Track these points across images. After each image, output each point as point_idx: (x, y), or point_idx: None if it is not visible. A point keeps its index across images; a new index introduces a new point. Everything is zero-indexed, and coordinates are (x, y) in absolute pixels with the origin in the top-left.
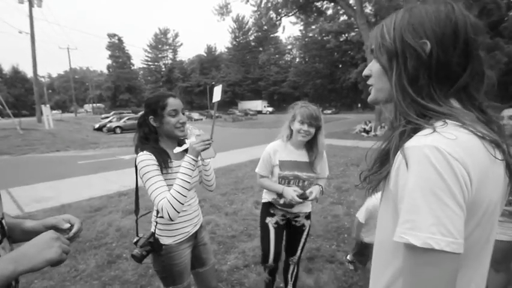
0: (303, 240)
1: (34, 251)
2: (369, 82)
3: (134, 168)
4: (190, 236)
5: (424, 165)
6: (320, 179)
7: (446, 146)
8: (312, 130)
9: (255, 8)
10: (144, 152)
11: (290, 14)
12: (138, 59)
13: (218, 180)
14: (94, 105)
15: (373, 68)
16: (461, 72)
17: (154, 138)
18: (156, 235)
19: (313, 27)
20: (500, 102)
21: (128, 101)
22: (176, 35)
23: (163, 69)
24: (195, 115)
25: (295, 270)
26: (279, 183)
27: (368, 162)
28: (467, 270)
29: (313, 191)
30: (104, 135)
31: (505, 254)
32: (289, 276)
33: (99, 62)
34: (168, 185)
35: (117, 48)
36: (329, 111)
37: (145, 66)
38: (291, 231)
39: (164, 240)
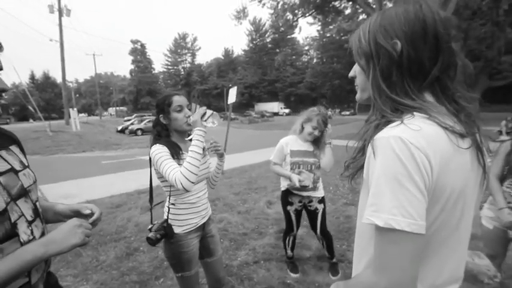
0: (319, 221)
1: (61, 237)
2: (355, 83)
3: (149, 162)
4: (198, 227)
5: (388, 154)
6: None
7: (409, 136)
8: (319, 134)
9: (272, 11)
10: (157, 144)
11: (307, 15)
12: (159, 63)
13: (232, 180)
14: (117, 108)
15: (356, 69)
16: (432, 65)
17: (166, 134)
18: (168, 222)
19: (331, 27)
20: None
21: (148, 104)
22: (195, 39)
23: (182, 73)
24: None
25: (325, 241)
26: (291, 168)
27: (350, 154)
28: (438, 254)
29: (317, 178)
30: (126, 137)
31: None
32: (322, 244)
33: (123, 67)
34: None
35: (139, 54)
36: (347, 113)
37: (165, 70)
38: (308, 214)
39: (174, 229)
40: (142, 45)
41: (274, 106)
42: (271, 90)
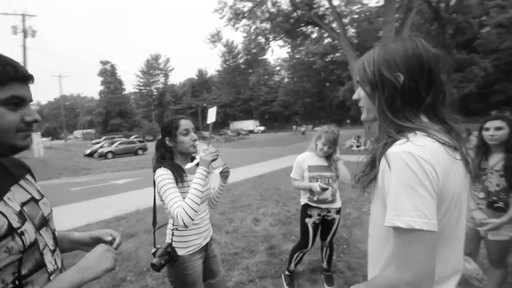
0: (333, 229)
1: (94, 263)
2: (359, 104)
3: (153, 185)
4: (202, 248)
5: (401, 166)
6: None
7: (416, 151)
8: (330, 150)
9: (245, 34)
10: (162, 168)
11: (278, 39)
12: (130, 84)
13: None
14: (84, 131)
15: (360, 93)
16: (427, 94)
17: (170, 157)
18: (173, 245)
19: (300, 48)
20: (482, 113)
21: (119, 125)
22: (167, 60)
23: (155, 93)
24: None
25: (328, 251)
26: (310, 182)
27: (360, 168)
28: (444, 249)
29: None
30: (96, 161)
31: (501, 252)
32: (323, 254)
33: (91, 88)
34: (183, 198)
35: (109, 75)
36: (319, 128)
37: (137, 90)
38: (324, 224)
39: (178, 251)
40: (113, 66)
41: (250, 124)
42: (245, 108)
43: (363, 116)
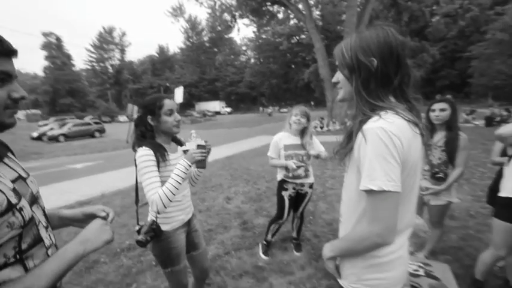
0: (305, 202)
1: (94, 235)
2: (338, 86)
3: (134, 164)
4: (184, 223)
5: (375, 140)
6: (322, 153)
7: (388, 126)
8: (304, 120)
9: (209, 10)
10: (143, 147)
11: (244, 17)
12: (80, 59)
13: None
14: (28, 111)
15: (339, 77)
16: (395, 77)
17: (151, 135)
18: (157, 222)
19: (267, 29)
20: (429, 96)
21: (70, 105)
22: (123, 34)
23: (111, 71)
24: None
25: (299, 222)
26: (286, 160)
27: (338, 142)
28: (403, 207)
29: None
30: (46, 144)
31: (439, 215)
32: (294, 225)
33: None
34: (164, 177)
35: (54, 48)
36: (285, 110)
37: (89, 67)
38: (298, 197)
39: (163, 227)
40: (58, 39)
41: (216, 105)
42: (211, 89)
43: (340, 96)
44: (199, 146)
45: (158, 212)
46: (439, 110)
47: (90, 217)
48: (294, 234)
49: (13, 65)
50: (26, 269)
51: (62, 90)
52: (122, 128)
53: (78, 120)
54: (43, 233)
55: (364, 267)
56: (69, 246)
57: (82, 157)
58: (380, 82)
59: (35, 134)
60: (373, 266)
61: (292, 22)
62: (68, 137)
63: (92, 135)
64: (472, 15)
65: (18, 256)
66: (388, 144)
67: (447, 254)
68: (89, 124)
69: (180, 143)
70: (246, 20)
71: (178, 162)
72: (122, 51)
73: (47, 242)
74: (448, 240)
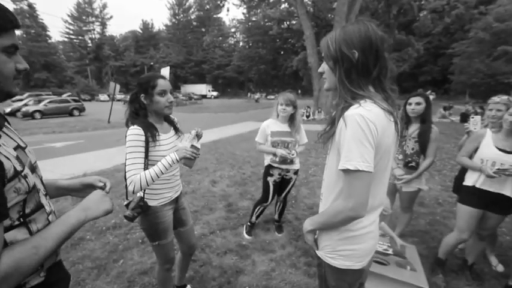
0: (288, 187)
1: (94, 204)
2: (323, 76)
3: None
4: (172, 200)
5: (354, 125)
6: (300, 145)
7: (366, 113)
8: (289, 108)
9: None
10: (135, 126)
11: None
12: (56, 30)
13: None
14: None
15: (324, 67)
16: (374, 68)
17: (144, 113)
18: (144, 199)
19: (257, 11)
20: (410, 90)
21: (45, 80)
22: (104, 6)
23: (90, 45)
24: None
25: (281, 205)
26: (272, 146)
27: (322, 127)
28: (376, 186)
29: (294, 153)
30: (20, 121)
31: (410, 200)
32: (277, 208)
33: None
34: (153, 156)
35: (27, 17)
36: (272, 97)
37: (66, 40)
38: (282, 182)
39: (150, 203)
40: (31, 6)
41: (202, 88)
42: (198, 71)
43: (326, 86)
44: (193, 146)
45: (133, 193)
46: (415, 104)
47: (87, 187)
48: (276, 217)
49: (17, 37)
50: (30, 231)
51: (36, 64)
52: (103, 107)
53: (55, 96)
54: (43, 200)
55: (339, 239)
56: (72, 213)
57: (61, 136)
58: (361, 72)
59: (8, 110)
60: (347, 239)
61: (283, 6)
62: (44, 114)
63: (70, 114)
64: (458, 13)
65: (22, 219)
66: (365, 129)
67: (415, 237)
68: (67, 101)
69: (173, 123)
70: (236, 0)
71: (169, 154)
72: (103, 24)
73: (47, 208)
74: (417, 225)
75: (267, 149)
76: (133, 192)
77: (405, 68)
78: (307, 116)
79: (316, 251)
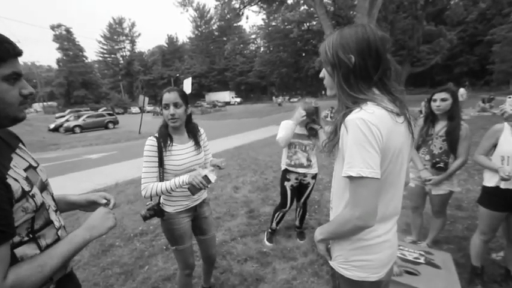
0: (307, 192)
1: (98, 222)
2: (324, 82)
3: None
4: (189, 209)
5: (355, 130)
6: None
7: (367, 117)
8: (306, 119)
9: None
10: (151, 136)
11: (253, 4)
12: (92, 51)
13: None
14: (45, 104)
15: (324, 73)
16: (375, 71)
17: (166, 125)
18: (160, 204)
19: (276, 15)
20: (445, 83)
21: (84, 97)
22: (133, 25)
23: (122, 62)
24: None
25: (301, 211)
26: (289, 148)
27: (326, 135)
28: (387, 193)
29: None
30: (62, 135)
31: (442, 204)
32: (297, 214)
33: (47, 56)
34: (166, 164)
35: (65, 40)
36: (295, 100)
37: (100, 58)
38: (300, 187)
39: (166, 208)
40: (68, 31)
41: (226, 95)
42: (221, 79)
43: (328, 92)
44: (205, 177)
45: (144, 197)
46: (440, 100)
47: (92, 203)
48: (297, 223)
49: (19, 64)
50: (39, 247)
51: (75, 83)
52: (134, 119)
53: (92, 111)
54: (53, 216)
55: (351, 249)
56: (78, 232)
57: (97, 148)
58: (359, 76)
59: (52, 126)
60: (360, 249)
61: (302, 8)
62: (83, 128)
63: (105, 127)
64: None
65: (31, 235)
66: (367, 133)
67: (451, 244)
68: (102, 116)
69: (195, 136)
70: (255, 7)
71: (181, 176)
72: (132, 42)
73: (56, 223)
74: (453, 230)
75: (287, 130)
76: (145, 197)
77: (437, 60)
78: (331, 117)
79: (330, 262)
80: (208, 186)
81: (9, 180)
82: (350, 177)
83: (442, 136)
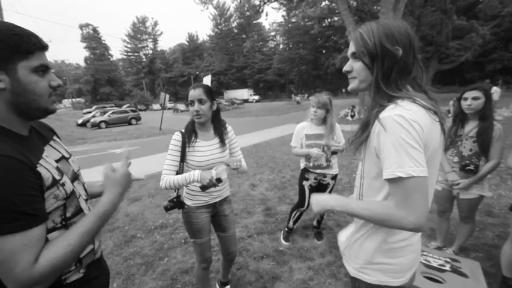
0: (326, 193)
1: (114, 178)
2: (350, 75)
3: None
4: (209, 205)
5: (395, 127)
6: (337, 147)
7: (405, 113)
8: (320, 111)
9: None
10: (179, 131)
11: (273, 0)
12: (117, 49)
13: None
14: (73, 100)
15: (354, 65)
16: (412, 68)
17: (193, 121)
18: (181, 196)
19: (296, 12)
20: (476, 81)
21: (109, 94)
22: (155, 24)
23: (144, 60)
24: (181, 106)
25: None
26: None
27: (354, 132)
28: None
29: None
30: (89, 130)
31: (470, 209)
32: (315, 214)
33: (75, 54)
34: (189, 159)
35: (93, 39)
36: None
37: (124, 57)
38: (319, 187)
39: (187, 201)
40: (95, 30)
41: (244, 93)
42: (239, 77)
43: (354, 86)
44: (218, 179)
45: (162, 187)
46: (472, 99)
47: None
48: (315, 223)
49: (46, 57)
50: None
51: (101, 80)
52: (155, 115)
53: (116, 108)
54: (83, 205)
55: (375, 251)
56: (104, 200)
57: (121, 143)
58: (402, 71)
59: (80, 121)
60: (384, 251)
61: (323, 4)
62: (108, 123)
63: (129, 123)
64: None
65: (63, 222)
66: (410, 130)
67: (480, 252)
68: (126, 112)
69: (221, 134)
70: (275, 4)
71: (194, 171)
72: (155, 40)
73: (86, 212)
74: (483, 238)
75: (302, 151)
76: (162, 189)
77: (468, 57)
78: (352, 116)
79: (347, 266)
80: (219, 185)
81: (40, 169)
82: (398, 179)
83: (473, 137)
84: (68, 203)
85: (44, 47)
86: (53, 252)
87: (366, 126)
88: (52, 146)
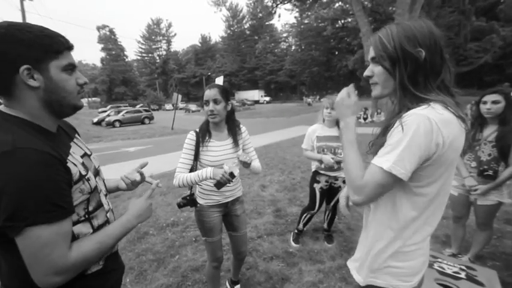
0: (337, 196)
1: (144, 212)
2: (372, 81)
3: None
4: (221, 204)
5: (413, 126)
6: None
7: (435, 117)
8: (335, 112)
9: None
10: (193, 130)
11: (286, 2)
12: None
13: None
14: (90, 99)
15: (375, 70)
16: (440, 69)
17: (208, 121)
18: (194, 195)
19: (309, 13)
20: (496, 85)
21: (123, 94)
22: (169, 25)
23: (158, 61)
24: (193, 107)
25: (330, 214)
26: (318, 152)
27: (374, 135)
28: (439, 211)
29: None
30: (104, 129)
31: (487, 216)
32: (326, 216)
33: (92, 55)
34: (202, 158)
35: (109, 41)
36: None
37: (139, 58)
38: (330, 190)
39: (199, 200)
40: (111, 31)
41: (255, 94)
42: (251, 78)
43: (377, 92)
44: (231, 174)
45: (175, 185)
46: (491, 103)
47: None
48: (325, 226)
49: (72, 57)
50: (92, 226)
51: (117, 80)
52: (168, 115)
53: (130, 107)
54: (103, 200)
55: (388, 255)
56: (130, 218)
57: (134, 141)
58: (429, 73)
59: (95, 120)
60: (395, 254)
61: (337, 5)
62: (122, 122)
63: (142, 122)
64: None
65: (86, 216)
66: (424, 134)
67: (497, 260)
68: (139, 112)
69: (234, 134)
70: (288, 5)
71: (207, 168)
72: (168, 41)
73: (106, 206)
74: (501, 246)
75: (313, 155)
76: (175, 186)
77: (487, 59)
78: (365, 119)
79: (357, 276)
80: (233, 180)
81: (69, 164)
82: (381, 168)
83: (492, 142)
84: (91, 197)
85: (70, 47)
86: (84, 247)
87: (386, 129)
88: (76, 143)
